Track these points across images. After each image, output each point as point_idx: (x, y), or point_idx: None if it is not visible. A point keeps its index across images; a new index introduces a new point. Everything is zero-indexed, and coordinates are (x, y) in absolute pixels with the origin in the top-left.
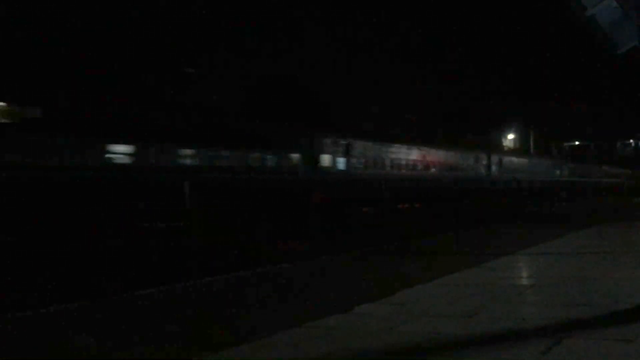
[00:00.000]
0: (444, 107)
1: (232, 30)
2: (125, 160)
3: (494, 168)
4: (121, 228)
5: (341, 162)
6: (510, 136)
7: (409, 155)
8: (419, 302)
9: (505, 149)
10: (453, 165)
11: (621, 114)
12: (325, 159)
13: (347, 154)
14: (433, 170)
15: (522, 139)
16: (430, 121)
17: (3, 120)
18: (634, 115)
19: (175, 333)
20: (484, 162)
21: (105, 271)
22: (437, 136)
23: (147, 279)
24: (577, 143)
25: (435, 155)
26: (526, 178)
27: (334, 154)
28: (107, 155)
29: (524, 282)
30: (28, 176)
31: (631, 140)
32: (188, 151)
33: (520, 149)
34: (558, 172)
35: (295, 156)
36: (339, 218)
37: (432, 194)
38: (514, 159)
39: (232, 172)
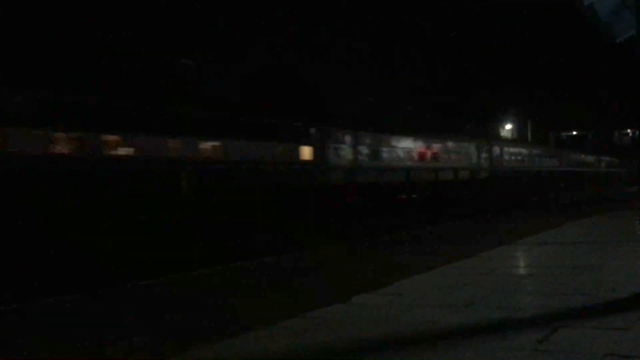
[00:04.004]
0: (441, 97)
1: (228, 21)
2: None
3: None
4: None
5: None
6: (508, 126)
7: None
8: (416, 292)
9: (503, 139)
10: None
11: (619, 104)
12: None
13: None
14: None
15: (519, 129)
16: (428, 111)
17: None
18: (632, 104)
19: (171, 324)
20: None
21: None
22: (436, 127)
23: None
24: (574, 133)
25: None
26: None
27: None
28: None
29: (521, 271)
30: None
31: (629, 130)
32: None
33: (519, 139)
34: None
35: None
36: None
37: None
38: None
39: None
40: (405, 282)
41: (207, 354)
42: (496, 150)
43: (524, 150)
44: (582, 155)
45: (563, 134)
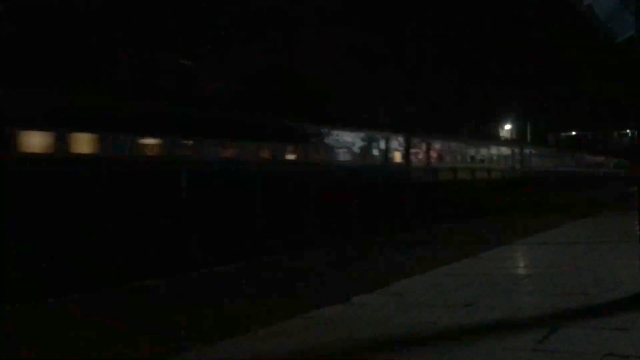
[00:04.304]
0: (440, 97)
1: (227, 21)
2: None
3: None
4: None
5: None
6: (507, 126)
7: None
8: (416, 293)
9: (502, 139)
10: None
11: (618, 104)
12: None
13: None
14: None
15: (519, 129)
16: (428, 111)
17: None
18: (631, 105)
19: (169, 325)
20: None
21: None
22: (435, 127)
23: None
24: (573, 133)
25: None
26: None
27: None
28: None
29: (520, 271)
30: None
31: (627, 131)
32: None
33: (518, 140)
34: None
35: None
36: None
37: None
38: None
39: None
40: (405, 282)
41: (207, 354)
42: (526, 152)
43: (549, 153)
44: (595, 157)
45: (562, 134)
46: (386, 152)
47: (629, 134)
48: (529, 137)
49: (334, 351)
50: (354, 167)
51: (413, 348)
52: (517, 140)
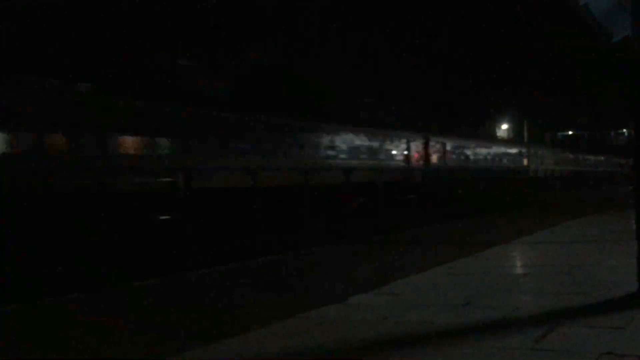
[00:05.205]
0: (435, 97)
1: (226, 20)
2: None
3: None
4: None
5: None
6: (504, 126)
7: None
8: (413, 292)
9: (499, 139)
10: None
11: (614, 104)
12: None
13: None
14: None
15: (515, 129)
16: (423, 111)
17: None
18: (628, 104)
19: (160, 325)
20: None
21: None
22: (432, 127)
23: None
24: (570, 132)
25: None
26: None
27: None
28: None
29: (518, 271)
30: None
31: (624, 130)
32: None
33: (515, 139)
34: None
35: None
36: None
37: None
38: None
39: None
40: (403, 282)
41: (206, 354)
42: (578, 156)
43: (591, 157)
44: (620, 159)
45: (559, 133)
46: (520, 158)
47: (625, 133)
48: (526, 136)
49: (331, 351)
50: (517, 169)
51: (410, 348)
52: (520, 141)
